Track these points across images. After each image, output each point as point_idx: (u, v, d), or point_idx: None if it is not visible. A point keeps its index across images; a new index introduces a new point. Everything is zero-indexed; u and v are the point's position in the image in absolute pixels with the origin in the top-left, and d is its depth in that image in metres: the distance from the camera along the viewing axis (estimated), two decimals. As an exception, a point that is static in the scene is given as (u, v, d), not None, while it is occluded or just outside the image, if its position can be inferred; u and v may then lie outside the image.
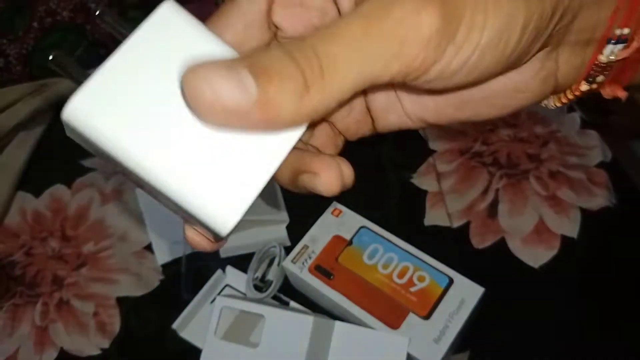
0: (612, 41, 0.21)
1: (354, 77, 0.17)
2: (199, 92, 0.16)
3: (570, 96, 0.23)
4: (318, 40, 0.17)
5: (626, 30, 0.21)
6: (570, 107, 0.67)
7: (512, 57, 0.19)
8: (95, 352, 0.52)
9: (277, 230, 0.57)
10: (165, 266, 0.57)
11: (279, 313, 0.44)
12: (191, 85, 0.16)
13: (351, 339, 0.44)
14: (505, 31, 0.18)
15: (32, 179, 0.67)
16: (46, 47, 0.74)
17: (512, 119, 0.64)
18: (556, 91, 0.23)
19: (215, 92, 0.15)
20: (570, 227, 0.55)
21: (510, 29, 0.18)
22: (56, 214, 0.63)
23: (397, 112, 0.25)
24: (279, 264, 0.53)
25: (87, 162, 0.67)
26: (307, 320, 0.43)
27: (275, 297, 0.52)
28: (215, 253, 0.57)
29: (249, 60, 0.16)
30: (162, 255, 0.57)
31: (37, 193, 0.65)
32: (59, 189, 0.65)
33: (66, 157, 0.69)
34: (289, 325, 0.43)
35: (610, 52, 0.21)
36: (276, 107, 0.16)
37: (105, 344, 0.52)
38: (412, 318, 0.45)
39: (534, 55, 0.20)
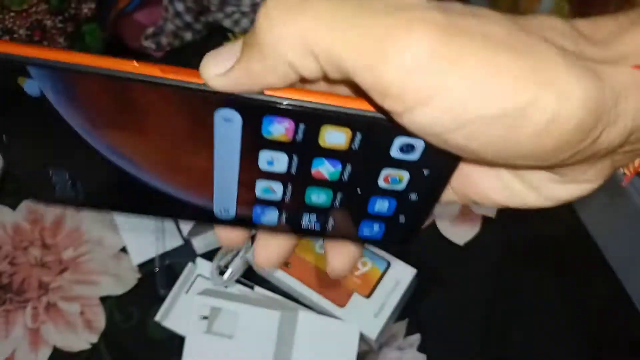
0: None
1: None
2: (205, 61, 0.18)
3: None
4: None
5: None
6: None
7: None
8: (86, 346, 0.59)
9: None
10: (141, 265, 0.64)
11: (250, 309, 0.52)
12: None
13: (313, 326, 0.53)
14: None
15: (8, 193, 0.71)
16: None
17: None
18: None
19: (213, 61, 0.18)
20: (489, 208, 0.64)
21: None
22: (34, 224, 0.68)
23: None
24: (241, 257, 0.60)
25: (57, 173, 0.72)
26: (274, 315, 0.51)
27: (240, 282, 0.60)
28: (187, 250, 0.64)
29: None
30: (137, 255, 0.64)
31: (13, 206, 0.70)
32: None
33: (37, 169, 0.73)
34: (260, 320, 0.51)
35: None
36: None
37: (94, 339, 0.59)
38: (356, 297, 0.54)
39: None
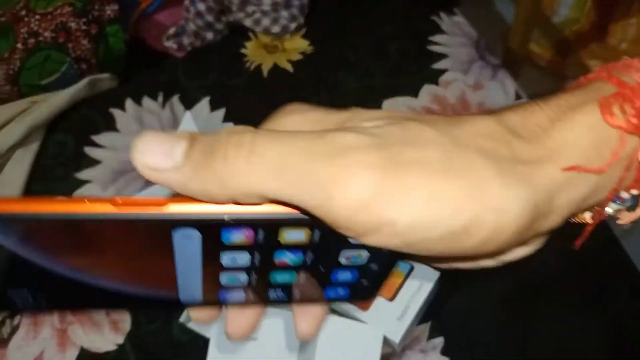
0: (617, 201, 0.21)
1: (258, 190, 0.17)
2: (134, 148, 0.17)
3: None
4: (266, 138, 0.17)
5: (635, 192, 0.21)
6: (518, 95, 0.74)
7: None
8: (112, 347, 0.60)
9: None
10: (164, 267, 0.64)
11: (274, 311, 0.52)
12: (135, 143, 0.17)
13: (336, 329, 0.52)
14: None
15: (34, 194, 0.73)
16: (32, 66, 0.78)
17: (463, 112, 0.72)
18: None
19: (145, 154, 0.17)
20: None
21: None
22: (61, 225, 0.69)
23: None
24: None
25: (82, 175, 0.74)
26: None
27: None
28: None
29: (198, 137, 0.17)
30: (161, 257, 0.65)
31: (40, 207, 0.71)
32: (61, 202, 0.71)
33: (62, 171, 0.75)
34: (283, 322, 0.51)
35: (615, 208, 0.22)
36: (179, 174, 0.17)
37: (120, 340, 0.60)
38: (379, 300, 0.53)
39: None
